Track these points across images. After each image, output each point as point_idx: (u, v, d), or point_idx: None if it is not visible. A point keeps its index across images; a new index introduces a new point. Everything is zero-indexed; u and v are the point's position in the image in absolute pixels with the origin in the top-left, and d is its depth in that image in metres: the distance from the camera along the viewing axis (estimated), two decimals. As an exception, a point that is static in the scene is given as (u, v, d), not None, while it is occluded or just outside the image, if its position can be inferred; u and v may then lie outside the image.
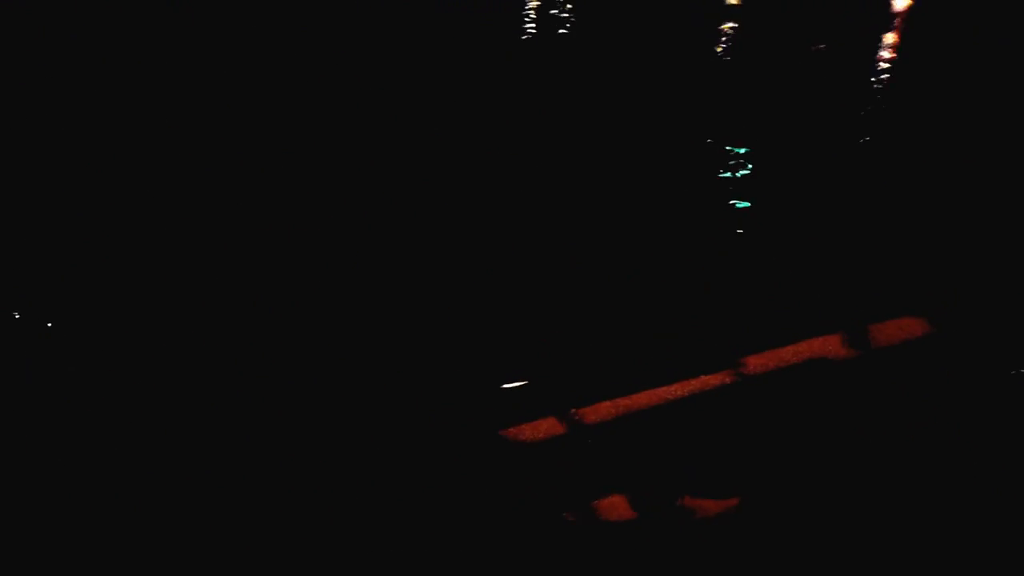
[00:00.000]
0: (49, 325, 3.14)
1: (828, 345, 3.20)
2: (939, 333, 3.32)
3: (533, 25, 8.91)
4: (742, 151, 5.69)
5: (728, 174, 5.29)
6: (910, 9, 7.87)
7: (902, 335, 3.28)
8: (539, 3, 9.29)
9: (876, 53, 8.79)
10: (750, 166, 5.43)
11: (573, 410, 2.68)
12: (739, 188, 5.06)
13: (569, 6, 9.36)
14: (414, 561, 2.11)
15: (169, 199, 4.33)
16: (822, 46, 9.11)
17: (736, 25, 9.50)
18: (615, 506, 2.30)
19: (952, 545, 2.25)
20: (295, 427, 2.64)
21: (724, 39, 9.02)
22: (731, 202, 4.86)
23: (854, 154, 5.88)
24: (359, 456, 2.50)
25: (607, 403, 2.74)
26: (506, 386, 2.95)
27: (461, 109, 6.27)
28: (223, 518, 2.26)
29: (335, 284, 3.62)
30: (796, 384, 2.93)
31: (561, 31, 8.77)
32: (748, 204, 4.82)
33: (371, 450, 2.53)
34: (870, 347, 3.19)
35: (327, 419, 2.70)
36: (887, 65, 8.32)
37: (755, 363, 3.05)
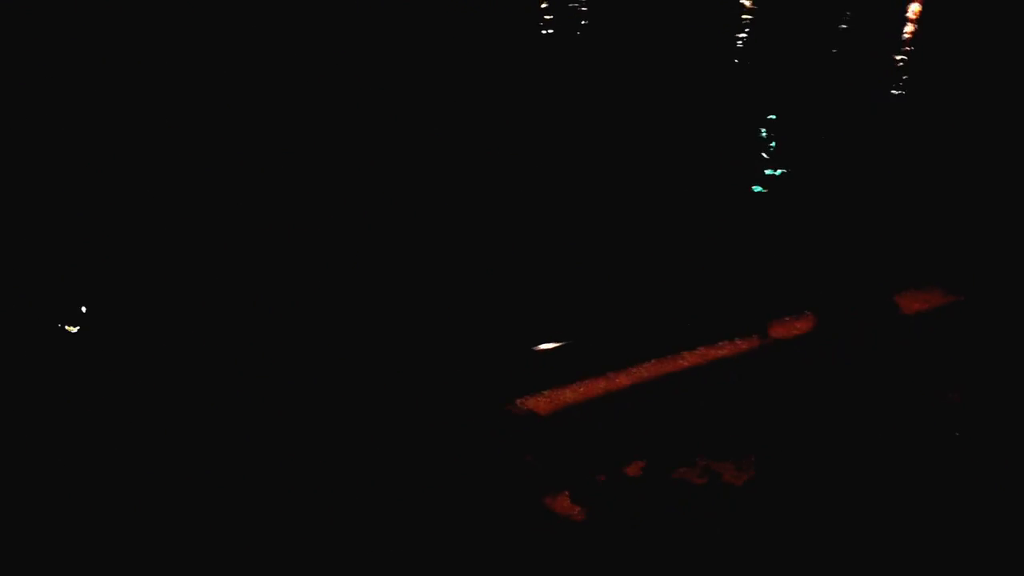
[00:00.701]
0: (49, 325, 3.14)
1: (851, 314, 3.21)
2: (963, 302, 3.32)
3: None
4: (770, 126, 5.68)
5: (755, 149, 5.29)
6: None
7: (925, 304, 3.28)
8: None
9: (902, 29, 8.68)
10: (776, 140, 5.42)
11: (609, 374, 2.70)
12: (767, 161, 5.05)
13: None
14: (415, 549, 2.14)
15: (169, 199, 4.33)
16: (846, 25, 9.02)
17: (757, 6, 9.43)
18: (636, 471, 2.33)
19: (976, 518, 2.26)
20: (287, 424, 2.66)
21: (751, 21, 8.96)
22: (759, 175, 4.85)
23: (880, 131, 5.84)
24: (354, 447, 2.51)
25: (638, 367, 2.77)
26: (540, 348, 2.98)
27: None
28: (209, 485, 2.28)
29: (320, 290, 3.64)
30: (820, 351, 2.94)
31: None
32: (775, 177, 4.81)
33: (368, 443, 2.54)
34: (893, 316, 3.19)
35: (322, 416, 2.72)
36: (912, 42, 8.23)
37: (779, 330, 3.06)
